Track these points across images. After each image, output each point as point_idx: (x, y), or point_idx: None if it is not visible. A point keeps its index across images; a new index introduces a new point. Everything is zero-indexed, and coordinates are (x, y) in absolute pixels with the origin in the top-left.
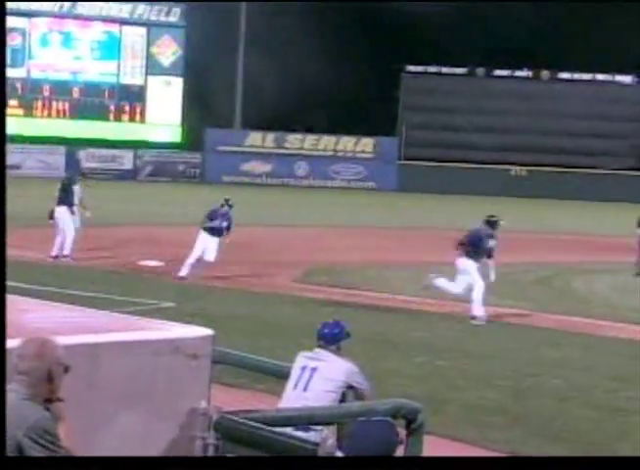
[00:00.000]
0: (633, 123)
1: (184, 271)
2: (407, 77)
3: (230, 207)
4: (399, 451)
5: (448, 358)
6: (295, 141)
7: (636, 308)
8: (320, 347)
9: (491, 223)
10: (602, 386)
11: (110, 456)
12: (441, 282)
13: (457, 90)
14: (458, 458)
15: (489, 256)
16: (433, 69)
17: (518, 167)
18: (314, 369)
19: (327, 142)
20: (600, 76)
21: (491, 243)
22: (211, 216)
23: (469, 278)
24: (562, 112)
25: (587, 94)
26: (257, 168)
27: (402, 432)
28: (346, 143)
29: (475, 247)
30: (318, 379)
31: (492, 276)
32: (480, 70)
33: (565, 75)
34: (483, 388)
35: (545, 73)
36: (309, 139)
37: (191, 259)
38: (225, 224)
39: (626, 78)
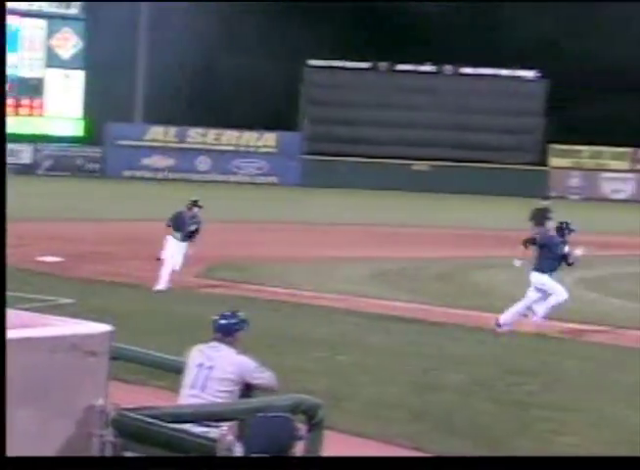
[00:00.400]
0: (535, 118)
1: (162, 284)
2: (310, 71)
3: (199, 208)
4: (299, 447)
5: (350, 354)
6: (196, 136)
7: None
8: (216, 339)
9: (563, 230)
10: (503, 380)
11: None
12: (540, 308)
13: (360, 84)
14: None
15: (568, 263)
16: (336, 63)
17: (420, 162)
18: (210, 368)
19: (229, 137)
20: (503, 71)
21: (565, 249)
22: (179, 222)
23: (550, 290)
24: (464, 106)
25: (489, 89)
26: (159, 163)
27: (303, 427)
28: (249, 138)
29: (546, 257)
30: (214, 379)
31: (579, 252)
32: (384, 65)
33: (468, 70)
34: (385, 383)
35: (448, 68)
36: (211, 134)
37: (167, 270)
38: (194, 227)
39: (529, 73)
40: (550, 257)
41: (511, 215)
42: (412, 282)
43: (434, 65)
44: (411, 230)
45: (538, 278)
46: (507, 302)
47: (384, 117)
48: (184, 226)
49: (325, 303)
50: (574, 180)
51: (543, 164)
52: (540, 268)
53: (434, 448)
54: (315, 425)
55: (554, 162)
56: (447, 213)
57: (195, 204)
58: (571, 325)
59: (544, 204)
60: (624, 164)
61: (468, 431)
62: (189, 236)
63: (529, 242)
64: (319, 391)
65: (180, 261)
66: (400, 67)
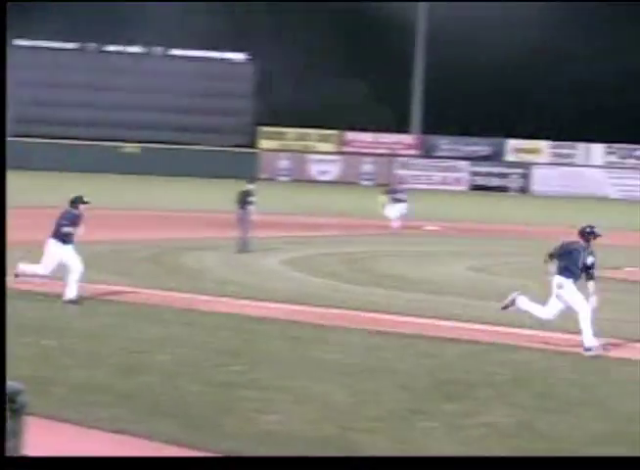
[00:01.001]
0: (243, 100)
1: (72, 293)
2: (16, 52)
3: (86, 203)
4: None
5: (56, 338)
6: None
7: (242, 283)
8: None
9: (587, 235)
10: (210, 360)
11: None
12: (524, 303)
13: (68, 65)
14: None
15: (589, 276)
16: (42, 43)
17: (130, 144)
18: None
19: None
20: (212, 54)
21: (589, 260)
22: (65, 222)
23: (565, 302)
24: (174, 88)
25: (199, 71)
26: None
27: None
28: None
29: (567, 264)
30: None
31: (593, 303)
32: (92, 46)
33: (177, 52)
34: (91, 367)
35: (158, 50)
36: None
37: (74, 276)
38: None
39: (237, 56)
40: (570, 264)
41: (220, 198)
42: (121, 264)
43: (143, 46)
44: (121, 212)
45: (559, 282)
46: (213, 283)
47: (93, 98)
48: (70, 226)
49: (30, 286)
50: (283, 162)
51: (253, 146)
52: (561, 274)
53: (139, 430)
54: (16, 411)
55: (263, 144)
56: (157, 196)
57: (81, 200)
58: (276, 305)
59: (248, 187)
60: (331, 147)
61: (173, 412)
62: (73, 236)
63: (551, 256)
64: (23, 376)
65: (78, 261)
66: (109, 48)
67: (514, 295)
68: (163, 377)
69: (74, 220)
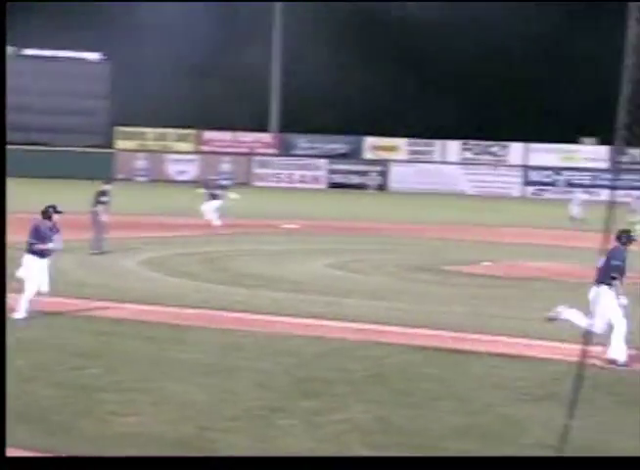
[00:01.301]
0: (100, 100)
1: (22, 313)
2: None
3: (59, 213)
4: None
5: None
6: None
7: (98, 285)
8: None
9: (623, 240)
10: (67, 363)
11: None
12: (571, 315)
13: None
14: None
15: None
16: None
17: None
18: None
19: None
20: (65, 53)
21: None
22: (39, 237)
23: (608, 312)
24: (28, 88)
25: (54, 71)
26: None
27: None
28: None
29: (605, 270)
30: None
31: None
32: None
33: (30, 52)
34: None
35: (11, 49)
36: None
37: (29, 295)
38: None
39: (93, 55)
40: (612, 271)
41: (74, 199)
42: None
43: None
44: None
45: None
46: (71, 286)
47: None
48: (45, 240)
49: None
50: (140, 162)
51: (110, 146)
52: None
53: None
54: None
55: (120, 144)
56: (9, 198)
57: (55, 210)
58: (133, 306)
59: (104, 187)
60: (189, 146)
61: (29, 417)
62: (50, 251)
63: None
64: None
65: (47, 281)
66: None
67: (561, 307)
68: (18, 382)
69: (47, 233)
